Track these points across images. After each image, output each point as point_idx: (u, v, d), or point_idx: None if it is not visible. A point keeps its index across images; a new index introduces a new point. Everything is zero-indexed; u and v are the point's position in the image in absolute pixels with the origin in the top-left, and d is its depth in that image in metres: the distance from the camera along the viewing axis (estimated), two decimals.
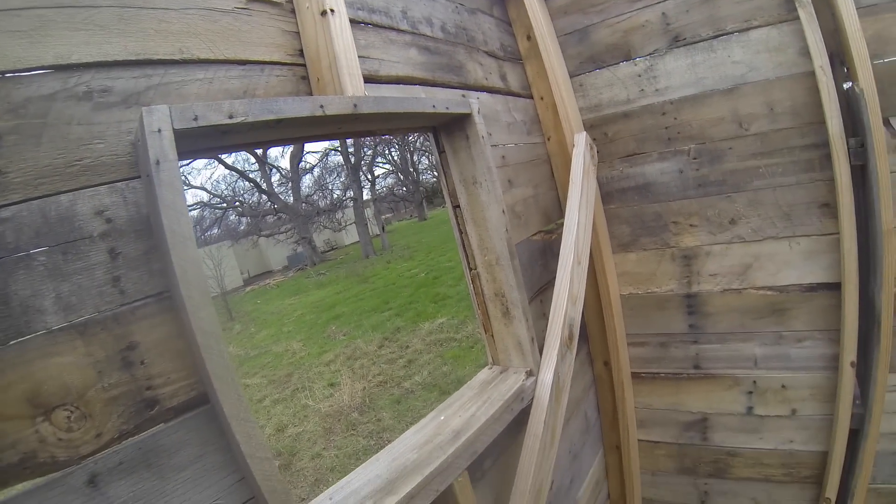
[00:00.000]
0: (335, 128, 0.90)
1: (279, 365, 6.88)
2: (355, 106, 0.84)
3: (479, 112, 1.18)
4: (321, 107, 0.79)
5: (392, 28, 1.17)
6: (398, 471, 0.88)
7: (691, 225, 1.65)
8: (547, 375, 1.19)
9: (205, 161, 15.51)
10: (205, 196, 16.27)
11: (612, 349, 1.77)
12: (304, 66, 0.92)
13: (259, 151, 14.69)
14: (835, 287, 1.45)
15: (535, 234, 1.55)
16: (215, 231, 18.39)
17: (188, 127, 0.63)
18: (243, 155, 14.98)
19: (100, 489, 0.59)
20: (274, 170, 15.66)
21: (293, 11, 0.92)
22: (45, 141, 0.60)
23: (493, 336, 1.29)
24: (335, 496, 0.85)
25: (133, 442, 0.63)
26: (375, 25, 1.13)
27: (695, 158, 1.60)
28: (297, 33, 0.91)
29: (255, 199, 16.45)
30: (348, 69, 0.88)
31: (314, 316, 9.49)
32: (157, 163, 0.60)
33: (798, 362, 1.56)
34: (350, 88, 0.88)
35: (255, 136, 0.78)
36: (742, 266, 1.60)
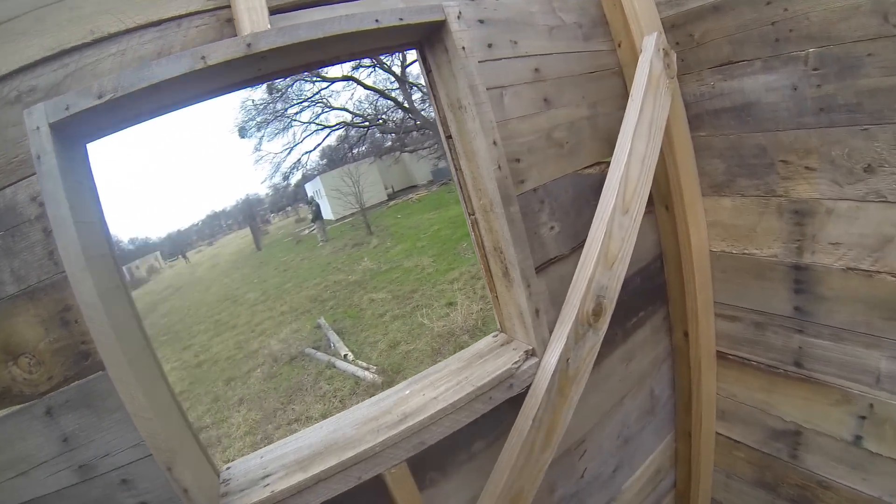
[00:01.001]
0: (240, 76, 0.94)
1: (406, 280, 7.97)
2: (249, 45, 0.89)
3: (459, 18, 1.14)
4: (202, 58, 0.82)
5: None
6: (326, 446, 1.03)
7: (807, 167, 1.38)
8: (551, 359, 1.18)
9: (343, 84, 17.29)
10: (347, 116, 18.45)
11: (691, 318, 1.67)
12: (230, 6, 0.94)
13: (399, 69, 15.90)
14: None
15: (588, 167, 1.47)
16: (363, 148, 22.44)
17: (63, 117, 0.75)
18: (383, 75, 16.54)
19: (54, 418, 0.90)
20: (415, 87, 16.81)
21: None
22: None
23: (497, 298, 1.34)
24: (265, 456, 1.02)
25: (75, 385, 0.90)
26: None
27: (815, 70, 1.29)
28: None
29: (398, 116, 18.60)
30: (246, 4, 0.88)
31: (450, 231, 10.55)
32: (38, 157, 0.74)
33: None
34: (248, 25, 0.90)
35: (148, 106, 0.87)
36: (879, 238, 1.29)
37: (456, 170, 1.27)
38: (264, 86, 16.38)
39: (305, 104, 17.62)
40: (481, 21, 1.25)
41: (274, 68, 1.01)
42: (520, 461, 1.13)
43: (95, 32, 0.91)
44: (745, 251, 1.56)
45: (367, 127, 19.12)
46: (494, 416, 1.21)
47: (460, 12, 1.13)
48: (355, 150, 22.59)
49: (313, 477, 0.96)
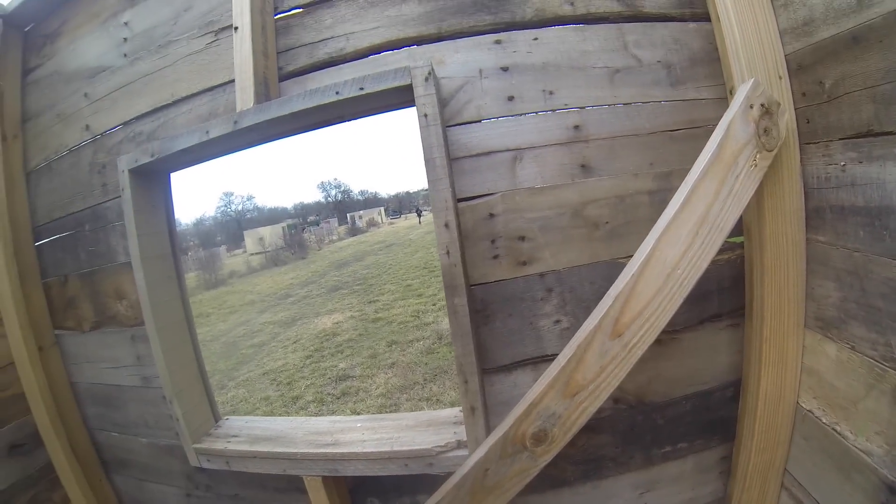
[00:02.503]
0: (237, 143, 1.23)
1: None
2: (235, 123, 1.15)
3: (429, 79, 1.11)
4: (206, 132, 1.16)
5: None
6: (278, 435, 1.43)
7: None
8: (470, 461, 1.20)
9: None
10: None
11: (749, 475, 1.35)
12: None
13: None
14: None
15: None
16: None
17: (134, 167, 1.24)
18: None
19: (135, 343, 1.64)
20: None
21: (235, 29, 1.24)
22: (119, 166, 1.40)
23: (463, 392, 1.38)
24: (249, 422, 1.54)
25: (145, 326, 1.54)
26: None
27: None
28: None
29: None
30: (240, 84, 1.16)
31: None
32: (123, 189, 1.25)
33: None
34: (240, 103, 1.16)
35: (185, 158, 1.29)
36: None
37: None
38: None
39: None
40: (505, 69, 1.19)
41: (258, 138, 1.27)
42: None
43: (175, 95, 1.39)
44: (837, 428, 1.15)
45: None
46: (441, 479, 1.28)
47: (431, 72, 1.10)
48: None
49: (253, 451, 1.36)
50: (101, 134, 1.53)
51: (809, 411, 1.24)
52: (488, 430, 1.22)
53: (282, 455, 1.35)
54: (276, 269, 21.84)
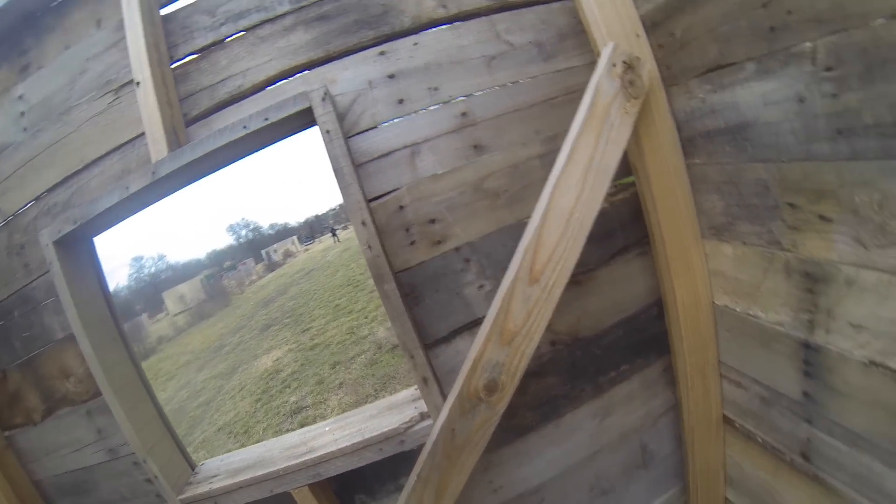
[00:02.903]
0: (157, 194, 1.33)
1: None
2: (153, 174, 1.24)
3: (325, 99, 1.26)
4: (126, 188, 1.25)
5: (265, 21, 1.36)
6: (257, 461, 1.47)
7: (822, 217, 1.14)
8: (436, 427, 1.34)
9: None
10: None
11: (681, 378, 1.59)
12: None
13: None
14: None
15: None
16: None
17: (58, 238, 1.29)
18: None
19: (92, 417, 1.60)
20: None
21: (137, 84, 1.32)
22: (38, 245, 1.42)
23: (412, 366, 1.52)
24: (224, 459, 1.55)
25: (102, 397, 1.52)
26: (245, 30, 1.37)
27: (828, 70, 1.00)
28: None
29: None
30: (151, 136, 1.26)
31: None
32: (51, 263, 1.28)
33: None
34: (154, 154, 1.26)
35: (109, 219, 1.38)
36: None
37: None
38: None
39: None
40: (391, 76, 1.35)
41: (179, 184, 1.36)
42: None
43: (84, 160, 1.43)
44: (749, 312, 1.37)
45: None
46: (415, 456, 1.42)
47: (326, 93, 1.24)
48: None
49: (237, 483, 1.41)
50: (13, 214, 1.53)
51: (724, 306, 1.46)
52: (444, 396, 1.36)
53: (265, 477, 1.41)
54: (203, 324, 21.97)
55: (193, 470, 1.59)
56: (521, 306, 1.26)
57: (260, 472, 1.42)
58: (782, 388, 1.36)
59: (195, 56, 1.39)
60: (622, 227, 1.51)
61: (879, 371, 1.10)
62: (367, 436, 1.38)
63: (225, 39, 1.39)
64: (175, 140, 1.31)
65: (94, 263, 1.51)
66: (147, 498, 1.62)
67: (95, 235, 1.50)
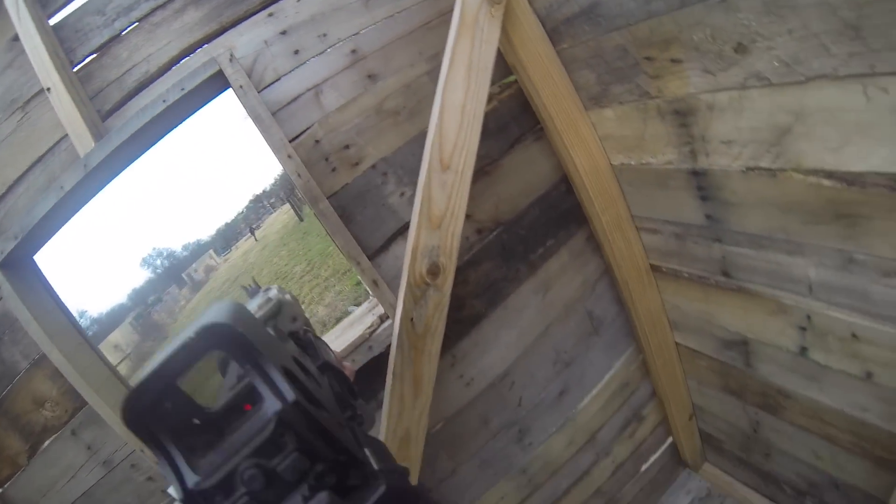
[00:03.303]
0: (95, 185, 1.44)
1: None
2: (86, 166, 1.34)
3: (232, 60, 1.39)
4: (61, 188, 1.35)
5: (156, 8, 1.46)
6: None
7: (673, 60, 1.32)
8: (395, 322, 1.49)
9: None
10: None
11: (602, 238, 1.80)
12: None
13: None
14: None
15: None
16: None
17: (4, 256, 1.36)
18: None
19: (78, 436, 1.57)
20: None
21: (48, 90, 1.40)
22: None
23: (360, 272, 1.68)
24: None
25: (83, 410, 1.58)
26: (138, 20, 1.46)
27: None
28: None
29: None
30: (75, 133, 1.36)
31: None
32: (0, 287, 1.34)
33: (883, 308, 1.21)
34: (81, 149, 1.36)
35: (51, 225, 1.44)
36: (774, 129, 1.21)
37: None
38: None
39: None
40: (283, 32, 1.47)
41: (114, 170, 1.43)
42: (394, 409, 1.49)
43: (6, 183, 1.47)
44: (643, 161, 1.56)
45: None
46: (385, 368, 1.54)
47: (231, 54, 1.37)
48: None
49: None
50: None
51: (621, 164, 1.66)
52: (395, 294, 1.52)
53: None
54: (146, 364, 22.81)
55: None
56: (441, 191, 1.43)
57: None
58: (688, 218, 1.56)
59: (94, 55, 1.48)
60: (514, 119, 1.69)
61: (756, 174, 1.30)
62: (338, 349, 1.52)
63: (121, 33, 1.47)
64: (97, 133, 1.41)
65: (41, 280, 1.56)
66: (154, 497, 1.67)
67: (36, 251, 1.55)
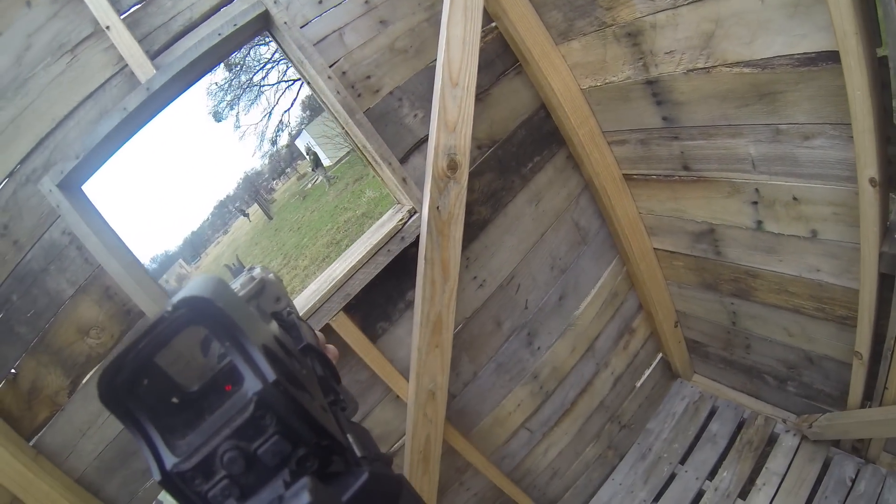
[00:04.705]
0: (154, 106, 1.71)
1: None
2: (148, 89, 1.63)
3: (276, 2, 1.77)
4: (124, 109, 1.61)
5: None
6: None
7: None
8: (424, 211, 1.84)
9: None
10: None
11: (581, 152, 2.21)
12: (128, 65, 1.72)
13: None
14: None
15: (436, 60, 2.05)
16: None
17: (62, 179, 1.58)
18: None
19: None
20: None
21: (104, 30, 1.69)
22: (25, 214, 1.67)
23: (382, 180, 2.03)
24: None
25: (129, 334, 1.75)
26: None
27: None
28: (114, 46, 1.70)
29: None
30: (135, 62, 1.65)
31: None
32: (58, 206, 1.58)
33: (809, 168, 1.64)
34: (142, 76, 1.66)
35: (107, 147, 1.69)
36: (701, 36, 1.68)
37: (322, 102, 1.94)
38: (221, 65, 19.09)
39: (269, 66, 20.46)
40: None
41: (171, 94, 1.74)
42: (427, 292, 1.82)
43: (55, 118, 1.71)
44: (607, 81, 2.03)
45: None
46: (414, 269, 1.89)
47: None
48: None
49: None
50: None
51: (589, 87, 2.13)
52: (421, 191, 1.88)
53: (304, 316, 1.76)
54: None
55: None
56: (453, 102, 1.85)
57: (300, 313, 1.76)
58: (649, 123, 2.02)
59: (138, 6, 1.79)
60: (498, 57, 2.14)
61: (694, 74, 1.76)
62: (374, 242, 1.85)
63: None
64: (150, 67, 1.71)
65: (94, 208, 1.77)
66: None
67: (83, 183, 1.78)
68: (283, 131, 24.94)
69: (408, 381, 1.98)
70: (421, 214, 1.85)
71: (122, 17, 1.73)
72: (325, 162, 26.35)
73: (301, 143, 34.05)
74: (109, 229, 1.78)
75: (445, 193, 1.84)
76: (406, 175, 1.87)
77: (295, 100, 23.63)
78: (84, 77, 1.73)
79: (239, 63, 19.24)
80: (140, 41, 1.74)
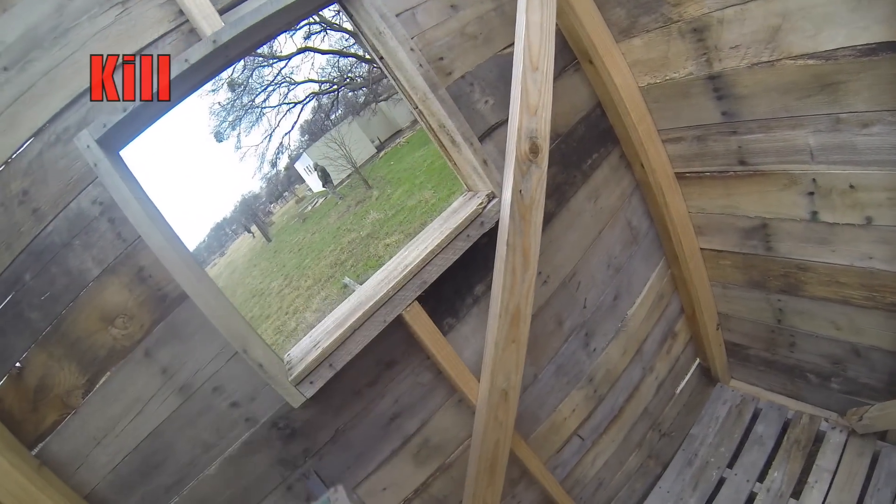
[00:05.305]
0: (214, 65, 1.55)
1: (414, 218, 10.27)
2: (215, 42, 1.49)
3: None
4: (186, 60, 1.45)
5: None
6: (355, 307, 1.70)
7: None
8: (506, 194, 1.79)
9: (300, 56, 20.75)
10: (314, 86, 23.07)
11: (640, 148, 2.24)
12: (188, 21, 1.55)
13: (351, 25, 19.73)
14: None
15: (505, 48, 2.04)
16: (339, 111, 28.81)
17: (103, 133, 1.39)
18: (336, 35, 20.04)
19: (152, 357, 1.54)
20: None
21: None
22: (50, 178, 1.45)
23: (455, 165, 1.96)
24: (313, 334, 1.70)
25: (161, 325, 1.55)
26: None
27: None
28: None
29: (363, 69, 23.21)
30: (201, 14, 1.51)
31: (443, 161, 13.71)
32: (95, 165, 1.39)
33: (867, 155, 1.71)
34: (208, 28, 1.51)
35: (156, 108, 1.50)
36: (768, 30, 1.76)
37: (394, 79, 1.86)
38: (225, 86, 19.70)
39: (270, 89, 21.23)
40: None
41: (236, 52, 1.60)
42: (507, 281, 1.74)
43: None
44: (667, 77, 2.10)
45: (337, 89, 23.80)
46: (483, 260, 1.84)
47: None
48: (332, 116, 29.05)
49: (349, 328, 1.59)
50: (4, 163, 1.46)
51: (647, 84, 2.18)
52: (500, 175, 1.84)
53: (374, 308, 1.63)
54: None
55: (284, 361, 1.67)
56: (533, 86, 1.82)
57: (368, 305, 1.62)
58: (708, 119, 2.08)
59: None
60: (559, 53, 2.13)
61: (759, 67, 1.83)
62: (453, 226, 1.75)
63: None
64: (218, 19, 1.56)
65: (132, 174, 1.56)
66: (236, 429, 1.63)
67: (121, 148, 1.56)
68: (283, 153, 26.16)
69: (478, 380, 1.88)
70: (501, 199, 1.80)
71: None
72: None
73: (300, 166, 34.45)
74: (149, 199, 1.57)
75: (528, 177, 1.79)
76: (486, 157, 1.82)
77: (295, 123, 24.73)
78: (135, 31, 1.57)
79: (242, 83, 19.64)
80: None
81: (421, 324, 1.74)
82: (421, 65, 1.73)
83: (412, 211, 10.64)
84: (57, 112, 1.49)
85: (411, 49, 1.73)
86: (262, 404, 1.65)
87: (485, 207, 1.80)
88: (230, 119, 21.69)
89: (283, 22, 1.66)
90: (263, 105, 21.73)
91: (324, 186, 23.56)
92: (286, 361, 1.69)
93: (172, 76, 1.48)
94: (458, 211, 1.86)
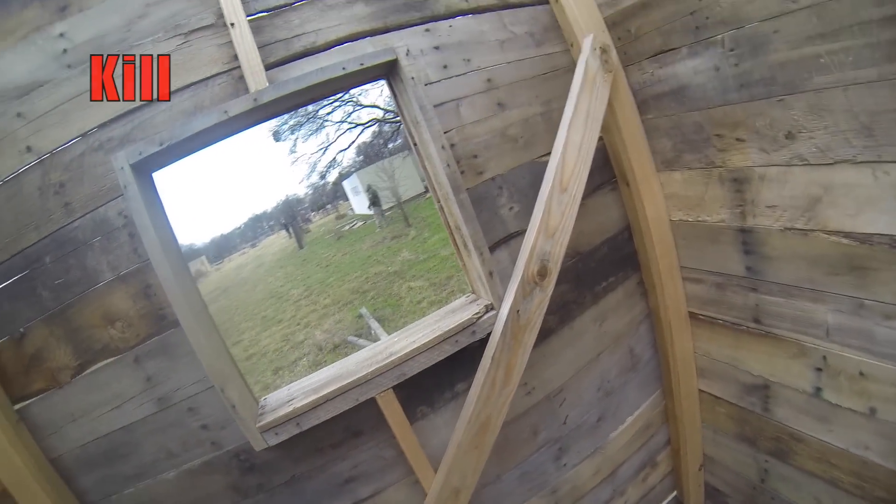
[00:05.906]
0: (251, 119, 1.66)
1: (443, 268, 10.23)
2: (255, 100, 1.60)
3: (407, 54, 1.82)
4: (225, 112, 1.56)
5: None
6: (334, 377, 1.77)
7: (738, 139, 1.91)
8: (503, 311, 1.82)
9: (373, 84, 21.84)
10: (378, 112, 23.57)
11: (658, 282, 2.26)
12: (240, 67, 1.65)
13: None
14: None
15: (544, 156, 2.09)
16: (397, 142, 28.54)
17: (138, 160, 1.49)
18: None
19: (141, 364, 1.69)
20: None
21: (225, 25, 1.64)
22: (86, 179, 1.59)
23: (464, 266, 2.02)
24: (291, 388, 1.77)
25: (156, 339, 1.68)
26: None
27: (731, 50, 1.81)
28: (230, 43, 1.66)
29: None
30: (249, 69, 1.62)
31: None
32: (125, 187, 1.51)
33: (884, 347, 1.68)
34: (253, 84, 1.60)
35: (190, 146, 1.62)
36: (808, 198, 1.76)
37: (423, 168, 1.94)
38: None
39: (336, 104, 22.16)
40: (436, 48, 1.92)
41: (275, 110, 1.73)
42: (484, 393, 1.77)
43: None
44: (699, 218, 2.12)
45: (400, 122, 22.03)
46: (469, 361, 1.87)
47: (408, 49, 1.80)
48: (390, 145, 28.88)
49: (323, 397, 1.66)
50: (49, 153, 1.61)
51: (679, 220, 2.19)
52: (503, 289, 1.86)
53: (350, 385, 1.71)
54: None
55: (259, 404, 1.73)
56: (557, 208, 1.86)
57: (345, 381, 1.67)
58: (731, 269, 2.08)
59: (266, 14, 1.78)
60: (598, 170, 2.20)
61: (791, 233, 1.84)
62: (444, 329, 1.80)
63: (294, 3, 1.81)
64: (264, 78, 1.65)
65: (158, 198, 1.67)
66: (201, 448, 1.73)
67: (156, 170, 1.68)
68: (334, 168, 26.56)
69: (434, 471, 1.91)
70: (499, 313, 1.84)
71: (248, 18, 1.70)
72: (366, 211, 26.89)
73: (347, 185, 34.59)
74: (170, 228, 1.70)
75: (529, 299, 1.82)
76: (493, 269, 1.86)
77: (353, 142, 25.79)
78: (190, 65, 1.71)
79: None
80: (259, 48, 1.70)
81: (392, 410, 1.79)
82: (448, 164, 1.79)
83: (444, 261, 10.64)
84: (105, 121, 1.64)
85: (442, 147, 1.79)
86: (230, 435, 1.74)
87: (479, 318, 1.84)
88: (291, 122, 22.72)
89: (324, 91, 1.76)
90: (326, 118, 22.67)
91: (370, 208, 23.79)
92: (260, 405, 1.78)
93: (211, 123, 1.59)
94: (456, 312, 1.91)
